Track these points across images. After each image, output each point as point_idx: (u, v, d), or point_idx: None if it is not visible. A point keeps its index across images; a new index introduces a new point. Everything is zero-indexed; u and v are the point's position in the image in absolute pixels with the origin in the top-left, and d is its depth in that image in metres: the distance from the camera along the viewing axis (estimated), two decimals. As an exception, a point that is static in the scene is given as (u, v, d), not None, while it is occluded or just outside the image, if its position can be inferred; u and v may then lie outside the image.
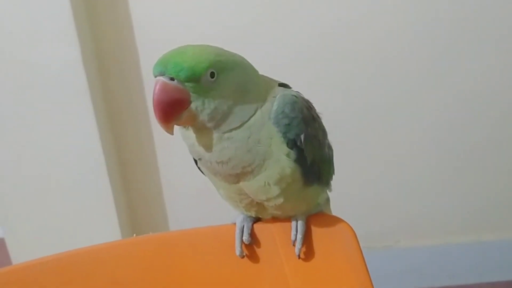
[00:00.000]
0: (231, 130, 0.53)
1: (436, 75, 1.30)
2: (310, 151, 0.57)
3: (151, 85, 1.31)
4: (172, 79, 0.50)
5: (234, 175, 0.56)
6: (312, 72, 1.29)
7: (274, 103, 0.55)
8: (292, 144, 0.55)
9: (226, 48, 0.55)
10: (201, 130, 0.53)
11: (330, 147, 0.64)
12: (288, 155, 0.55)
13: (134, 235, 0.70)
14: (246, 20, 1.26)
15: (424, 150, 1.38)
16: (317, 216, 0.64)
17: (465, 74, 1.30)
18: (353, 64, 1.29)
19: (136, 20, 1.26)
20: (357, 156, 1.37)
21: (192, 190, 1.40)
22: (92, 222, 1.31)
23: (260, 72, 0.58)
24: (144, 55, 1.29)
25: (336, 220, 0.63)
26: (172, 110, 0.50)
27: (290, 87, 0.60)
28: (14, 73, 1.18)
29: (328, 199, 0.68)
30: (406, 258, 1.48)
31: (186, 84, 0.50)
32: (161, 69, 0.50)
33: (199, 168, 0.62)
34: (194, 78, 0.50)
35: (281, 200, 0.58)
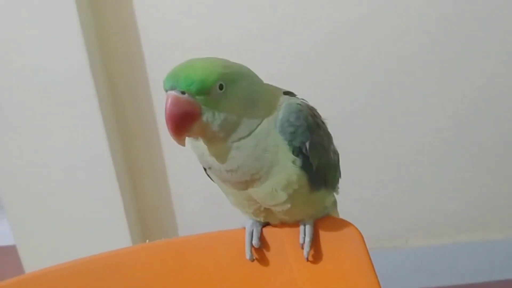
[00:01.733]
0: (239, 139, 0.55)
1: (444, 76, 1.30)
2: (315, 158, 0.58)
3: (158, 92, 1.32)
4: (183, 92, 0.51)
5: (243, 182, 0.57)
6: (318, 74, 1.29)
7: (280, 112, 0.56)
8: (298, 151, 0.56)
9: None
10: (211, 140, 0.55)
11: (335, 152, 0.65)
12: (294, 162, 0.57)
13: (147, 241, 0.71)
14: (252, 22, 1.27)
15: (432, 151, 1.39)
16: (325, 220, 0.65)
17: (473, 74, 1.30)
18: (360, 67, 1.29)
19: (143, 27, 1.27)
20: (365, 158, 1.37)
21: (200, 196, 1.41)
22: (103, 228, 1.33)
23: (266, 77, 0.59)
24: (151, 62, 1.30)
25: (344, 223, 0.64)
26: (184, 123, 0.52)
27: (295, 95, 0.62)
28: (23, 81, 1.19)
29: (335, 202, 0.70)
30: (415, 258, 1.48)
31: (197, 97, 0.51)
32: (172, 83, 0.51)
33: (208, 175, 0.63)
34: (204, 90, 0.51)
35: (288, 205, 0.59)
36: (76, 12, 1.14)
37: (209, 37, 1.26)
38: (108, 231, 1.33)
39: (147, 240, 0.71)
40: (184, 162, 1.35)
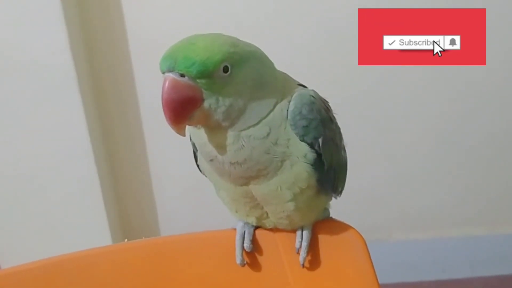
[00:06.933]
0: (248, 128, 0.49)
1: (433, 71, 1.27)
2: (328, 156, 0.53)
3: (141, 77, 1.25)
4: (182, 75, 0.45)
5: (246, 177, 0.52)
6: (307, 69, 1.24)
7: (291, 102, 0.51)
8: (310, 147, 0.51)
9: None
10: (214, 129, 0.49)
11: (345, 151, 0.60)
12: (305, 156, 0.51)
13: (126, 240, 0.65)
14: (243, 17, 1.22)
15: (418, 145, 1.37)
16: (324, 222, 0.60)
17: (462, 71, 1.27)
18: (351, 60, 1.26)
19: (126, 7, 1.22)
20: (349, 150, 1.34)
21: (182, 191, 1.38)
22: (82, 223, 1.29)
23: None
24: (134, 45, 1.24)
25: (344, 227, 0.59)
26: (183, 109, 0.46)
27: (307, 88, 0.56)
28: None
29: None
30: (399, 252, 1.47)
31: (198, 80, 0.46)
32: (170, 64, 0.45)
33: (197, 165, 0.58)
34: (206, 73, 0.45)
35: (291, 206, 0.54)
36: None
37: (197, 22, 1.20)
38: (87, 226, 1.28)
39: (126, 239, 0.65)
40: (166, 153, 1.32)
